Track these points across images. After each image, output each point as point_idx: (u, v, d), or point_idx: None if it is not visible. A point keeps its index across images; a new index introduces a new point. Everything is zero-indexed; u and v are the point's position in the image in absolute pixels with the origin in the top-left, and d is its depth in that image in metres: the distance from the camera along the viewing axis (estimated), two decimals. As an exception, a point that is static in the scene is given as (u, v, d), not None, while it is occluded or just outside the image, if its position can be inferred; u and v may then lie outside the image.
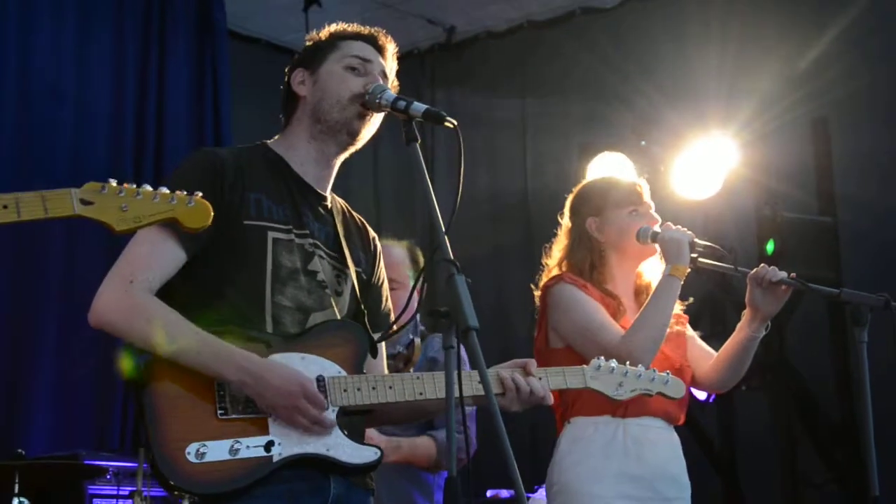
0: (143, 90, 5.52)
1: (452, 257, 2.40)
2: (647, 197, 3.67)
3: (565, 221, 3.74)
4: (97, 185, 2.12)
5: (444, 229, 2.47)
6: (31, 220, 2.05)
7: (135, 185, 2.18)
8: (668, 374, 3.06)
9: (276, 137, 2.90)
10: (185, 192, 2.21)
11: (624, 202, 3.63)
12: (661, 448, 3.49)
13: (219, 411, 2.51)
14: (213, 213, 2.22)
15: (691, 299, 3.74)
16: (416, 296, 2.86)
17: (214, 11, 5.82)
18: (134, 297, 2.56)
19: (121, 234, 2.15)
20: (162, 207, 2.17)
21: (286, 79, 2.91)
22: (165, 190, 2.19)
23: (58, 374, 5.23)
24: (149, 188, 2.18)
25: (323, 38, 2.90)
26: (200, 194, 2.22)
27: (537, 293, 3.64)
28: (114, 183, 2.14)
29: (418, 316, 3.77)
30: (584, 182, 3.89)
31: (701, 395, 5.17)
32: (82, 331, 4.64)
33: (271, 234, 2.70)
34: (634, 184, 3.73)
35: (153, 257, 2.60)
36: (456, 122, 2.59)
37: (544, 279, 3.65)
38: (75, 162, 5.17)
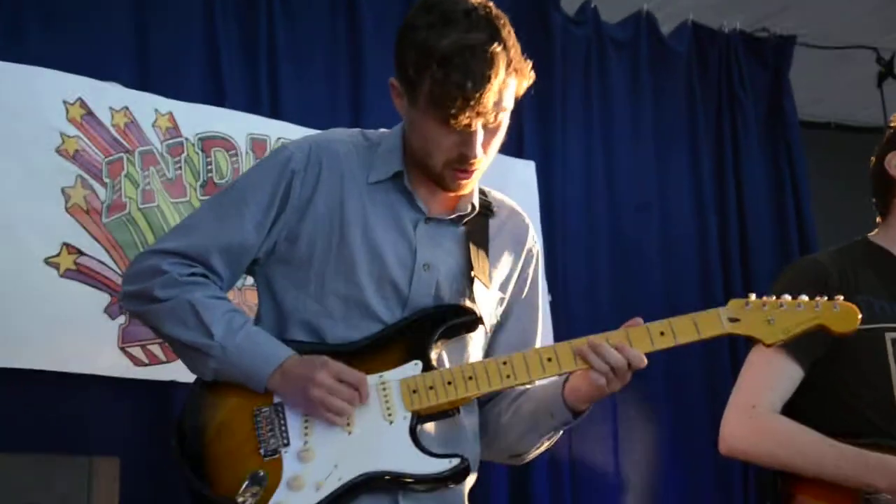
0: (721, 195, 5.60)
1: None
2: None
3: None
4: (741, 302, 2.23)
5: None
6: (686, 343, 2.17)
7: (774, 297, 2.24)
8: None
9: (876, 231, 2.78)
10: (825, 298, 2.23)
11: None
12: None
13: None
14: (860, 315, 2.20)
15: None
16: None
17: (784, 102, 5.79)
18: (759, 421, 2.59)
19: (770, 346, 2.21)
20: (807, 315, 2.21)
21: (876, 164, 2.76)
22: (806, 298, 2.22)
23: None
24: (789, 298, 2.22)
25: None
26: (842, 298, 2.22)
27: None
28: (754, 297, 2.22)
29: None
30: None
31: None
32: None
33: (889, 336, 2.58)
34: None
35: (770, 378, 2.61)
36: None
37: None
38: (666, 271, 5.34)
